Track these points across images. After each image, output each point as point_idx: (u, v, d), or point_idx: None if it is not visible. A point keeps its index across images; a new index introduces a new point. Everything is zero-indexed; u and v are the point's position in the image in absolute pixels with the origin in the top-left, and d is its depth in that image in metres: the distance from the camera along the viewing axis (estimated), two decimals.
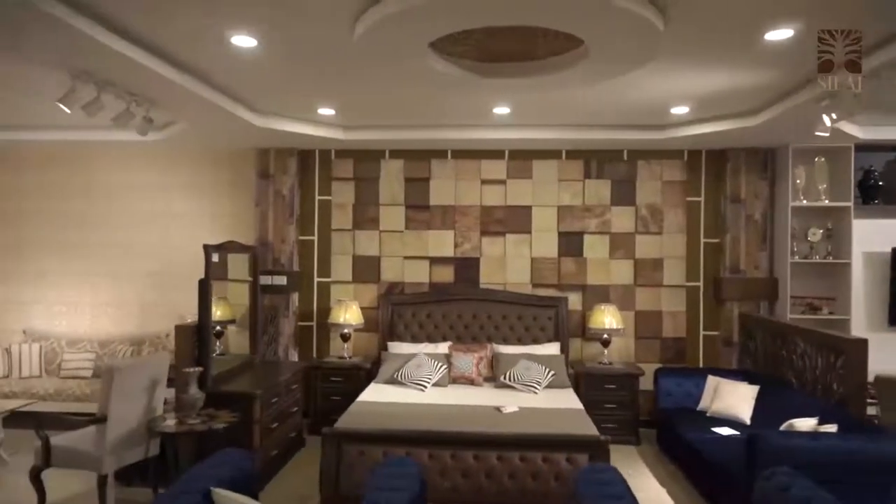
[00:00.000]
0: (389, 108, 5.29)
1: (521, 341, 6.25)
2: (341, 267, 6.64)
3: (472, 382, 5.71)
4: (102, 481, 4.09)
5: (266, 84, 4.57)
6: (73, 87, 3.84)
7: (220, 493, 2.61)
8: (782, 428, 4.13)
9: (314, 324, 6.65)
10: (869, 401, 4.65)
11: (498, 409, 4.82)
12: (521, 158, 6.51)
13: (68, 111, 3.92)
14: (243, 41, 3.61)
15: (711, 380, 5.53)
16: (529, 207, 6.52)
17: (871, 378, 4.67)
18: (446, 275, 6.56)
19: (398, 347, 6.09)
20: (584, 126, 5.92)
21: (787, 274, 5.97)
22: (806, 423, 4.10)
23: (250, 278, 5.86)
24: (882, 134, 5.68)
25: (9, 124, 6.17)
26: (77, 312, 6.94)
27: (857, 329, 5.74)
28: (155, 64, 3.85)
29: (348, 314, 6.20)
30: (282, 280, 6.35)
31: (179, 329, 4.80)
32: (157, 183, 6.87)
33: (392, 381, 5.61)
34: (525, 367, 5.63)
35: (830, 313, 5.96)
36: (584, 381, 5.90)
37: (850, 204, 5.88)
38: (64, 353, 6.54)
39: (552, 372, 5.60)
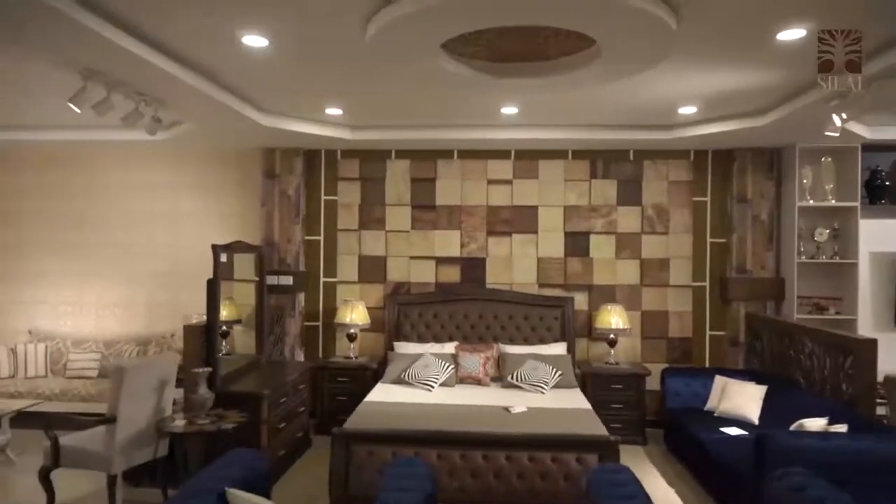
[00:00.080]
0: (398, 108, 5.29)
1: (527, 341, 6.25)
2: (347, 267, 6.64)
3: (479, 382, 5.71)
4: (112, 481, 4.08)
5: (275, 84, 4.57)
6: (83, 87, 3.84)
7: (234, 493, 2.61)
8: (792, 428, 4.13)
9: (320, 324, 6.65)
10: (878, 401, 4.64)
11: (506, 409, 4.82)
12: (528, 158, 6.51)
13: (78, 111, 3.92)
14: (254, 41, 3.61)
15: (719, 380, 5.52)
16: (536, 207, 6.51)
17: (879, 378, 4.66)
18: (452, 275, 6.56)
19: (404, 347, 6.09)
20: (590, 126, 5.92)
21: (793, 274, 5.96)
22: (816, 424, 4.10)
23: (256, 278, 5.85)
24: (889, 134, 5.69)
25: (15, 124, 6.17)
26: (82, 312, 6.94)
27: (864, 329, 5.74)
28: (165, 63, 3.85)
29: (355, 314, 6.19)
30: (288, 280, 6.35)
31: (188, 329, 4.80)
32: (162, 183, 6.87)
33: (399, 381, 5.61)
34: (532, 367, 5.63)
35: (837, 313, 5.96)
36: (591, 381, 5.90)
37: (857, 204, 5.88)
38: (69, 353, 6.54)
39: (559, 372, 5.60)
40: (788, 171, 6.12)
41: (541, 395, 5.35)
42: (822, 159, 5.97)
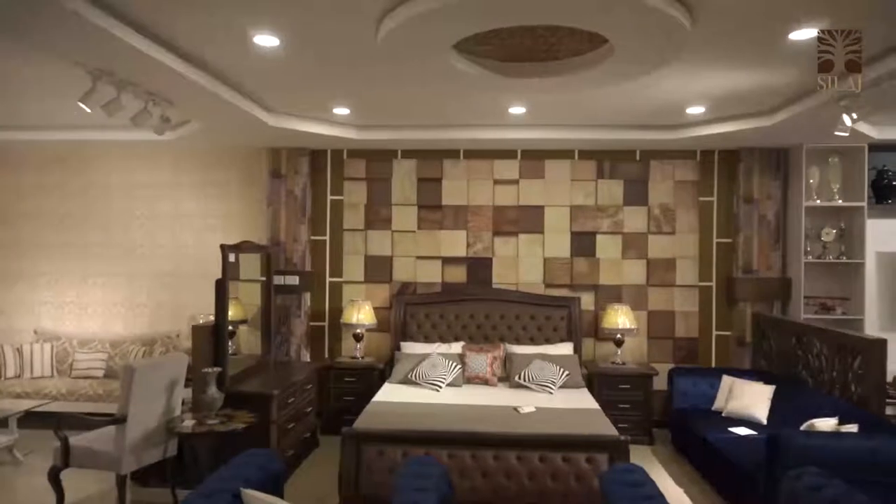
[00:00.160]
0: (405, 108, 5.28)
1: (533, 341, 6.25)
2: (353, 267, 6.64)
3: (486, 382, 5.71)
4: (122, 482, 4.07)
5: (284, 83, 4.56)
6: (93, 86, 3.83)
7: (250, 493, 2.60)
8: (803, 428, 4.12)
9: (326, 324, 6.64)
10: (888, 400, 4.64)
11: (515, 409, 4.82)
12: (534, 158, 6.51)
13: (89, 111, 3.91)
14: (266, 40, 3.60)
15: (726, 380, 5.52)
16: (542, 207, 6.51)
17: (888, 378, 4.66)
18: (459, 275, 6.56)
19: (411, 347, 6.08)
20: (597, 126, 5.92)
21: (800, 274, 5.96)
22: (826, 423, 4.09)
23: (262, 278, 5.84)
24: None
25: (18, 124, 6.15)
26: (87, 312, 6.93)
27: (871, 329, 5.74)
28: (176, 63, 3.84)
29: (361, 314, 6.19)
30: (294, 280, 6.34)
31: (196, 329, 4.79)
32: (166, 183, 6.86)
33: (406, 381, 5.61)
34: (539, 367, 5.63)
35: (843, 313, 5.96)
36: (598, 381, 5.89)
37: (864, 204, 5.88)
38: (75, 353, 6.53)
39: (566, 372, 5.59)
40: (795, 170, 6.12)
41: (549, 395, 5.35)
42: (829, 159, 5.97)
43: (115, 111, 3.99)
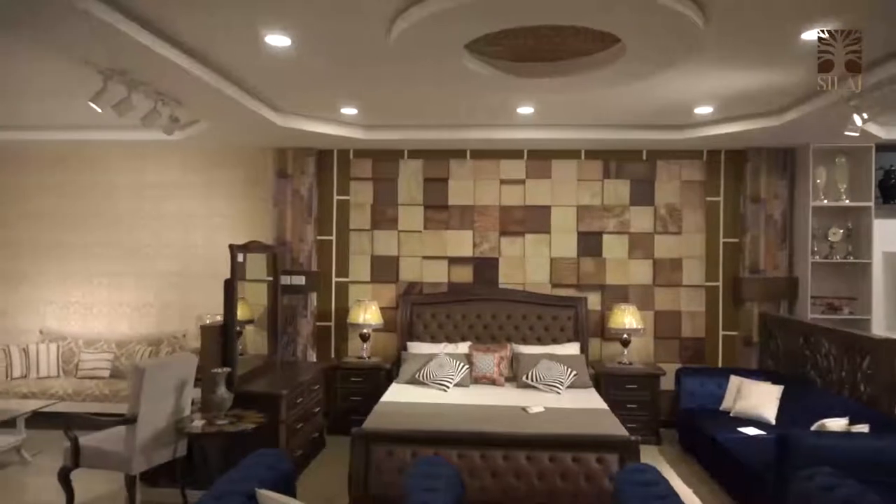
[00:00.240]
0: (414, 108, 5.29)
1: (540, 341, 6.25)
2: (359, 267, 6.64)
3: (493, 382, 5.71)
4: (131, 482, 4.07)
5: (294, 83, 4.56)
6: (104, 86, 3.84)
7: (265, 493, 2.60)
8: (813, 428, 4.12)
9: (332, 324, 6.64)
10: None
11: (524, 409, 4.82)
12: (540, 158, 6.51)
13: (100, 110, 3.91)
14: (277, 40, 3.60)
15: (734, 380, 5.52)
16: (548, 207, 6.51)
17: None
18: (465, 275, 6.56)
19: (418, 347, 6.08)
20: (603, 126, 5.92)
21: (807, 274, 5.96)
22: (837, 423, 4.09)
23: (269, 278, 5.84)
24: None
25: (23, 124, 6.15)
26: (93, 312, 6.93)
27: (878, 329, 5.74)
28: (187, 62, 3.84)
29: (368, 314, 6.19)
30: (300, 280, 6.34)
31: (205, 329, 4.79)
32: (172, 183, 6.85)
33: (414, 381, 5.61)
34: (546, 367, 5.62)
35: (850, 313, 5.95)
36: (605, 381, 5.89)
37: (871, 204, 5.87)
38: (81, 353, 6.53)
39: (574, 372, 5.59)
40: (802, 170, 6.11)
41: (556, 395, 5.34)
42: (836, 159, 5.97)
43: (125, 111, 3.99)
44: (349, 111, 5.39)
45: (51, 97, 5.05)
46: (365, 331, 6.21)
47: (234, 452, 4.28)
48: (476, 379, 5.72)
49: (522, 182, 6.54)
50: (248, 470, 2.88)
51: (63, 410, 5.33)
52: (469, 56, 3.69)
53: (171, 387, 4.28)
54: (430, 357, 5.77)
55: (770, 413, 5.05)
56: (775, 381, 5.32)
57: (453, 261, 6.56)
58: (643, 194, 6.46)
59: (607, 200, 6.49)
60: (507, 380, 5.80)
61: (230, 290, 4.78)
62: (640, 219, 6.47)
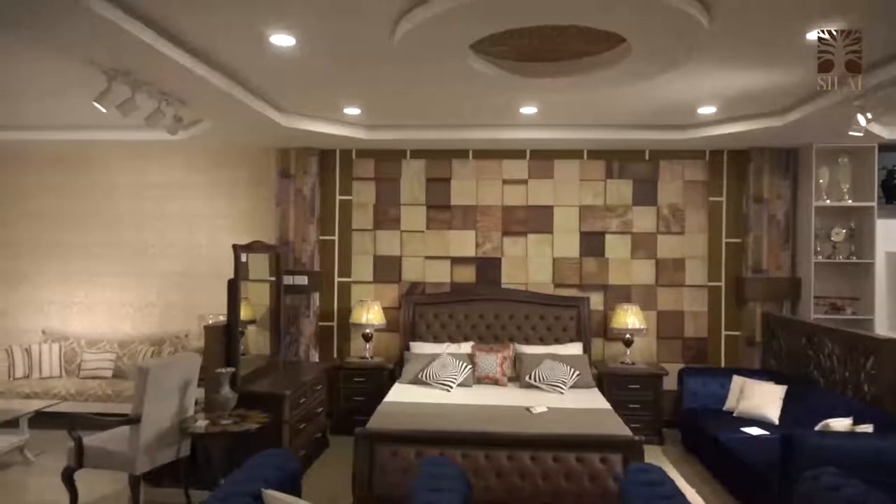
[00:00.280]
0: (417, 108, 5.29)
1: (543, 341, 6.24)
2: (362, 267, 6.63)
3: (496, 382, 5.70)
4: (135, 482, 4.07)
5: (298, 83, 4.56)
6: (108, 86, 3.84)
7: (271, 494, 2.60)
8: (817, 428, 4.12)
9: (335, 324, 6.64)
10: None
11: (527, 409, 4.81)
12: (543, 158, 6.51)
13: (104, 110, 3.91)
14: (282, 40, 3.60)
15: (737, 380, 5.51)
16: (551, 207, 6.51)
17: None
18: (468, 275, 6.56)
19: (420, 347, 6.08)
20: (606, 126, 5.92)
21: (810, 274, 5.96)
22: (841, 423, 4.09)
23: (271, 278, 5.84)
24: None
25: (25, 124, 6.15)
26: (95, 312, 6.93)
27: (881, 329, 5.75)
28: (190, 62, 3.84)
29: (371, 314, 6.18)
30: (303, 280, 6.33)
31: (208, 329, 4.78)
32: (176, 183, 6.85)
33: (417, 381, 5.60)
34: (549, 367, 5.62)
35: (853, 313, 5.95)
36: (608, 381, 5.89)
37: (874, 204, 5.88)
38: (83, 353, 6.52)
39: (577, 372, 5.59)
40: (805, 170, 6.11)
41: (559, 395, 5.34)
42: (839, 159, 5.97)
43: (129, 111, 3.99)
44: (352, 111, 5.39)
45: (54, 97, 5.04)
46: (368, 331, 6.21)
47: (237, 452, 4.28)
48: (479, 379, 5.72)
49: (525, 182, 6.54)
50: (255, 470, 2.89)
51: (65, 410, 5.32)
52: (474, 56, 3.69)
53: (174, 387, 4.29)
54: (433, 357, 5.77)
55: (773, 413, 5.04)
56: (778, 381, 5.31)
57: (456, 261, 6.56)
58: (646, 194, 6.46)
59: (610, 200, 6.49)
60: (510, 380, 5.79)
61: (234, 290, 4.77)
62: (643, 219, 6.47)
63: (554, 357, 5.77)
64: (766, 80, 4.32)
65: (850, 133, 4.19)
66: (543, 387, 5.47)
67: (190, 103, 4.68)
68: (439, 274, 6.57)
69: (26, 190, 6.97)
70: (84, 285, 6.93)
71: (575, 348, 6.06)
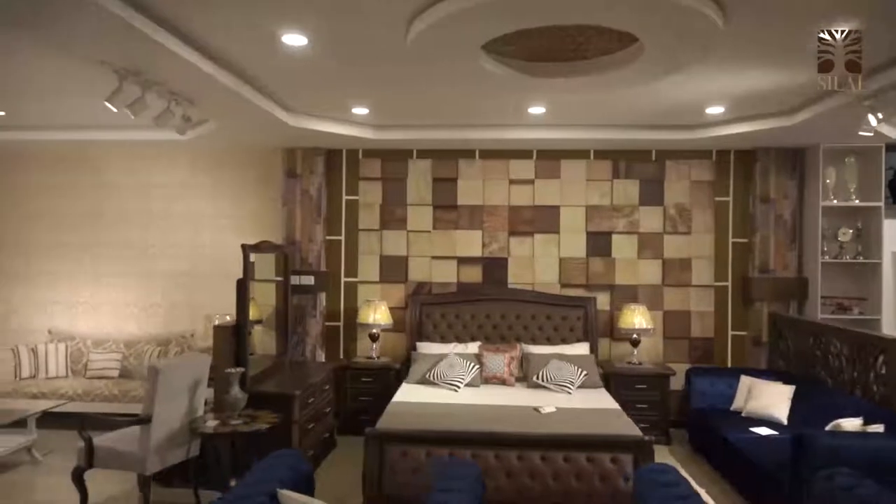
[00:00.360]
0: (426, 108, 5.28)
1: (549, 341, 6.24)
2: (368, 267, 6.63)
3: (503, 382, 5.70)
4: (145, 482, 4.07)
5: (308, 83, 4.56)
6: (119, 86, 3.83)
7: (287, 494, 2.60)
8: (828, 428, 4.12)
9: (341, 324, 6.64)
10: None
11: (536, 409, 4.81)
12: (550, 158, 6.51)
13: (115, 110, 3.91)
14: (294, 39, 3.60)
15: (745, 380, 5.52)
16: (557, 207, 6.51)
17: None
18: (474, 275, 6.55)
19: (427, 348, 6.08)
20: (613, 126, 5.92)
21: (817, 274, 5.96)
22: (852, 423, 4.09)
23: (278, 278, 5.84)
24: None
25: (30, 124, 6.14)
26: (100, 312, 6.92)
27: (888, 329, 5.74)
28: (201, 61, 3.84)
29: (378, 314, 6.18)
30: (309, 280, 6.34)
31: (217, 329, 4.78)
32: (181, 183, 6.85)
33: (424, 381, 5.60)
34: (557, 367, 5.62)
35: (861, 313, 5.95)
36: (615, 381, 5.88)
37: (881, 204, 5.87)
38: (90, 353, 6.52)
39: (584, 372, 5.59)
40: (812, 170, 6.11)
41: (567, 395, 5.34)
42: (846, 159, 5.97)
43: (140, 111, 3.99)
44: (360, 111, 5.39)
45: (67, 97, 5.03)
46: (374, 331, 6.21)
47: (246, 453, 4.29)
48: (486, 379, 5.71)
49: (532, 182, 6.53)
50: (269, 470, 2.89)
51: (72, 410, 5.33)
52: (485, 56, 3.69)
53: (185, 387, 4.28)
54: (440, 357, 5.77)
55: (782, 413, 5.04)
56: (786, 381, 5.32)
57: (462, 261, 6.56)
58: (652, 194, 6.46)
59: (616, 200, 6.49)
60: (518, 380, 5.79)
61: (243, 290, 4.78)
62: (650, 219, 6.47)
63: (561, 357, 5.77)
64: (775, 79, 4.31)
65: (861, 133, 4.19)
66: (551, 387, 5.47)
67: (198, 103, 4.67)
68: (446, 274, 6.56)
69: (31, 189, 6.97)
70: (89, 285, 6.93)
71: (582, 348, 6.06)
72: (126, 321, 6.88)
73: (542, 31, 3.43)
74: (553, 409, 4.81)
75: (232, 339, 4.73)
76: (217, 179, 6.81)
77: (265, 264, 5.71)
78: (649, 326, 6.11)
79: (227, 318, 5.62)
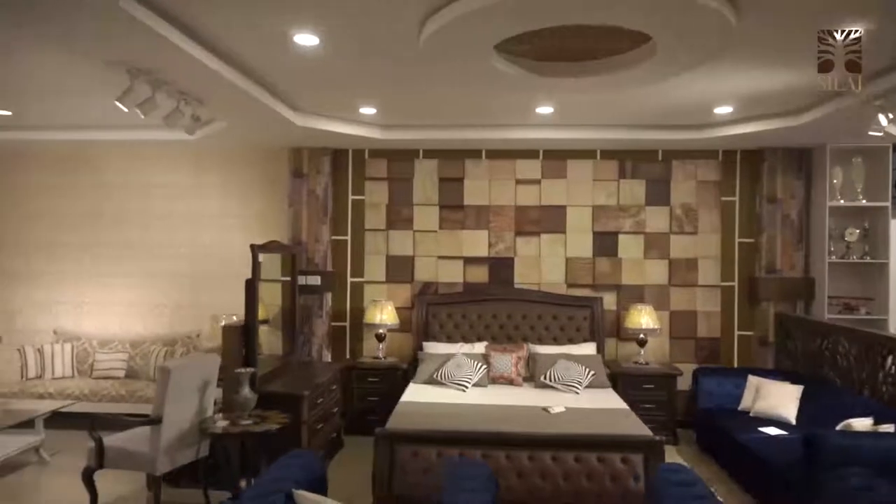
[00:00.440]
0: (433, 108, 5.28)
1: (556, 341, 6.24)
2: (375, 267, 6.63)
3: (511, 382, 5.70)
4: (155, 482, 4.07)
5: (317, 83, 4.56)
6: (131, 85, 3.83)
7: (302, 494, 2.60)
8: (839, 427, 4.12)
9: (347, 324, 6.63)
10: None
11: (545, 409, 4.81)
12: (556, 158, 6.51)
13: (125, 110, 3.91)
14: (306, 39, 3.59)
15: (752, 380, 5.52)
16: (564, 207, 6.51)
17: None
18: (480, 275, 6.55)
19: (434, 348, 6.07)
20: (619, 126, 5.92)
21: (824, 274, 5.96)
22: (862, 423, 4.09)
23: (284, 278, 5.83)
24: None
25: (34, 124, 6.14)
26: (106, 312, 6.91)
27: (895, 329, 5.73)
28: (212, 61, 3.83)
29: (384, 314, 6.18)
30: (316, 280, 6.33)
31: (226, 329, 4.78)
32: (187, 183, 6.85)
33: (431, 381, 5.60)
34: (564, 367, 5.62)
35: (867, 313, 5.95)
36: (622, 381, 5.88)
37: (888, 204, 5.88)
38: (96, 353, 6.51)
39: (592, 372, 5.59)
40: (819, 170, 6.11)
41: (575, 395, 5.34)
42: (853, 159, 5.97)
43: (149, 110, 3.99)
44: (368, 111, 5.39)
45: (68, 97, 5.03)
46: (381, 331, 6.20)
47: (256, 453, 4.29)
48: (494, 379, 5.71)
49: (538, 182, 6.53)
50: (283, 471, 2.89)
51: (79, 411, 5.33)
52: (497, 56, 3.69)
53: (194, 387, 4.28)
54: (447, 357, 5.77)
55: (790, 413, 5.04)
56: (794, 381, 5.31)
57: (469, 261, 6.56)
58: (659, 194, 6.46)
59: (623, 200, 6.49)
60: (525, 380, 5.79)
61: (252, 290, 4.77)
62: (656, 219, 6.47)
63: (568, 357, 5.77)
64: (785, 79, 4.31)
65: (870, 133, 4.19)
66: (559, 387, 5.47)
67: (207, 102, 4.67)
68: (452, 274, 6.56)
69: (33, 189, 6.96)
70: (93, 285, 6.92)
71: (588, 348, 6.06)
72: (132, 321, 6.87)
73: (553, 31, 3.42)
74: (562, 410, 4.81)
75: (240, 340, 4.72)
76: (224, 179, 6.80)
77: (271, 264, 5.71)
78: (656, 326, 6.11)
79: (234, 318, 5.62)
